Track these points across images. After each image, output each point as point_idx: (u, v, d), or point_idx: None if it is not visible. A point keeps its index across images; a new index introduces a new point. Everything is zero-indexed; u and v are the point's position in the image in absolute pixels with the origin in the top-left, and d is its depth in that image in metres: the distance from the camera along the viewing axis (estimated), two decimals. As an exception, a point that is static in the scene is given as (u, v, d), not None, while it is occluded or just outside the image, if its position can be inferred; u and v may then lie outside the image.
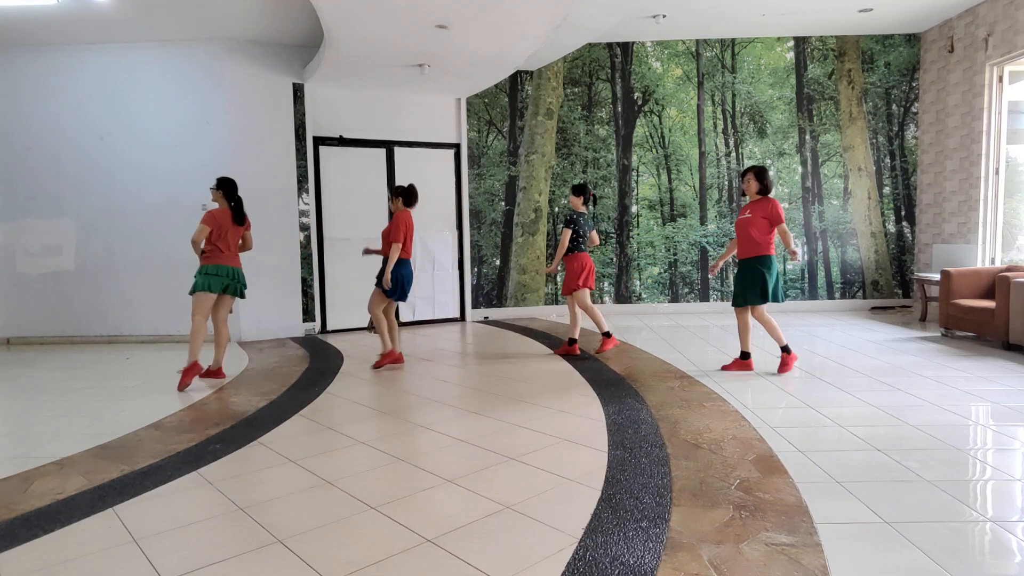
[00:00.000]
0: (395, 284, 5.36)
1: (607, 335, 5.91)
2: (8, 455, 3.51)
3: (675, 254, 8.47)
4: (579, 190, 5.86)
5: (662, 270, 8.49)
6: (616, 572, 2.15)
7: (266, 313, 7.08)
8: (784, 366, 5.04)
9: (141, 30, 6.57)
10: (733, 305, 5.16)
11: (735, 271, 5.20)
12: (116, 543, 2.45)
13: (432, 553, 2.31)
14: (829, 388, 4.51)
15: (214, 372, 5.22)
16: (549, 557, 2.26)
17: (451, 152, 8.14)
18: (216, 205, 5.14)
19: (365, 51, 6.03)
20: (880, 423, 3.71)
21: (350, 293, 7.56)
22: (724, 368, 5.15)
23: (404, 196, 5.42)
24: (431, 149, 8.01)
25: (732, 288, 5.14)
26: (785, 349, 5.06)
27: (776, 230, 4.91)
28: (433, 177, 8.05)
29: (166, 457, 3.39)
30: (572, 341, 5.85)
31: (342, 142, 7.54)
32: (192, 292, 4.99)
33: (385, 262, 5.35)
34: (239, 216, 5.07)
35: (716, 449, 3.31)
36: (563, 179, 8.44)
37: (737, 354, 5.31)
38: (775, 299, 4.97)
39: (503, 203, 8.35)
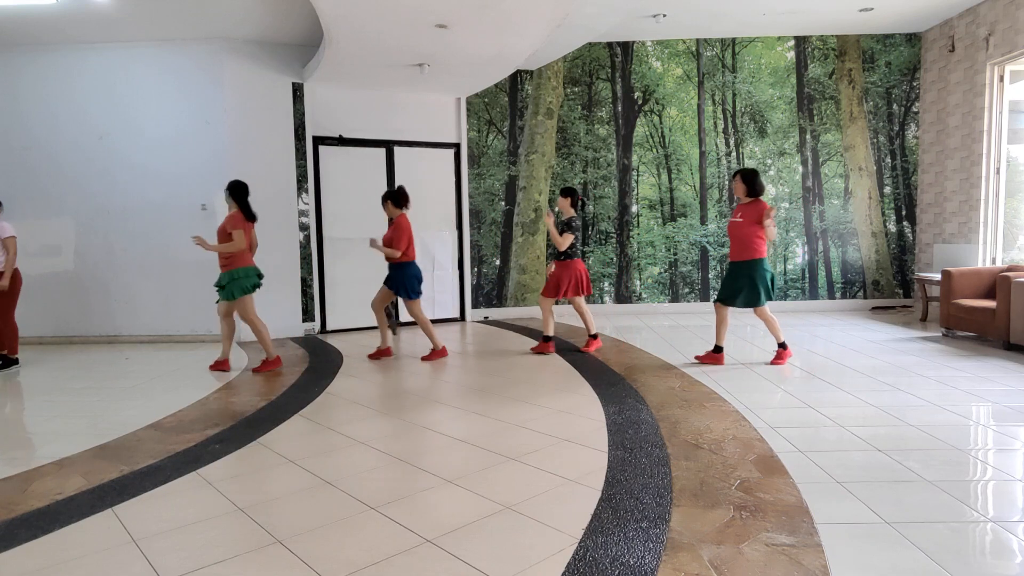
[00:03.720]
0: (402, 283, 5.67)
1: (547, 339, 5.97)
2: (8, 455, 3.51)
3: (675, 254, 8.46)
4: (568, 192, 5.89)
5: (662, 270, 8.48)
6: (616, 572, 2.15)
7: (266, 313, 7.02)
8: (778, 359, 5.27)
9: (141, 30, 6.56)
10: (716, 301, 5.38)
11: (726, 271, 5.38)
12: (116, 543, 2.45)
13: (432, 553, 2.30)
14: (829, 388, 4.50)
15: (222, 364, 5.50)
16: (549, 557, 2.26)
17: (451, 152, 8.13)
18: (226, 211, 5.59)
19: (365, 51, 6.02)
20: (881, 423, 3.70)
21: (350, 293, 7.56)
22: (697, 358, 5.41)
23: (393, 199, 5.70)
24: (431, 149, 8.00)
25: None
26: (782, 345, 5.26)
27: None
28: (433, 177, 8.04)
29: (166, 457, 3.39)
30: (593, 337, 6.01)
31: (342, 142, 7.53)
32: (228, 298, 5.28)
33: (393, 267, 5.72)
34: (250, 215, 5.35)
35: (716, 449, 3.31)
36: (563, 179, 8.44)
37: (711, 347, 5.51)
38: (768, 298, 5.17)
39: (503, 203, 8.35)
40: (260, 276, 5.44)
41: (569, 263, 5.79)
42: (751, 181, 5.10)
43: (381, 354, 5.91)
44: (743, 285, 5.13)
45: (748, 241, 5.06)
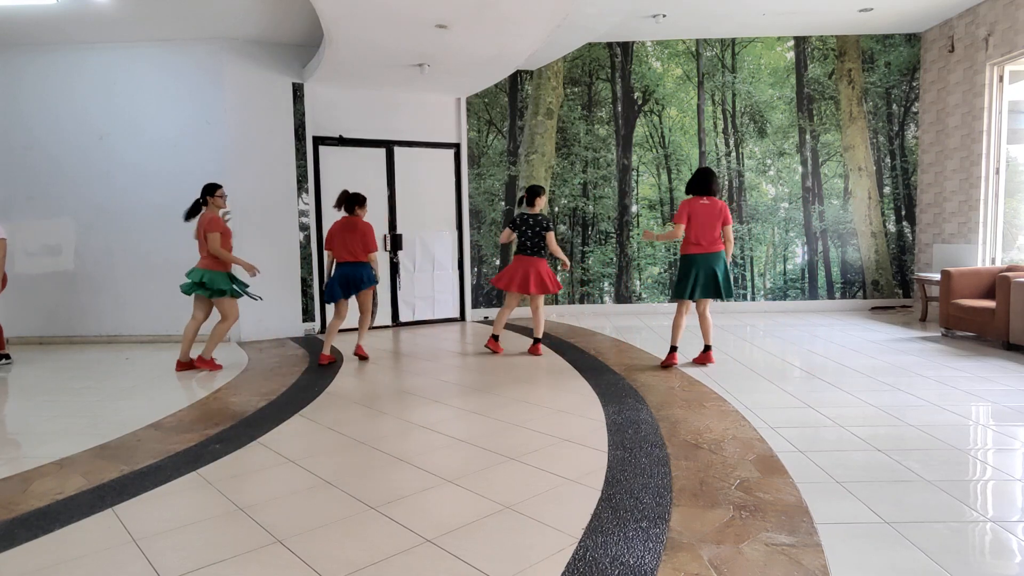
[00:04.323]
0: (329, 287, 5.70)
1: (495, 338, 6.02)
2: (8, 455, 3.51)
3: (675, 254, 8.46)
4: (526, 191, 5.98)
5: (662, 270, 8.48)
6: (616, 572, 2.15)
7: (266, 313, 7.07)
8: (698, 359, 5.37)
9: (141, 30, 6.56)
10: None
11: None
12: (116, 543, 2.45)
13: (432, 553, 2.31)
14: (829, 388, 4.51)
15: (186, 364, 5.58)
16: (549, 557, 2.26)
17: (451, 152, 8.13)
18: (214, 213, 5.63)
19: (365, 51, 6.02)
20: (880, 423, 3.70)
21: (350, 293, 7.55)
22: (694, 361, 5.39)
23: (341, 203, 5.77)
24: (431, 149, 8.00)
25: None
26: (673, 349, 5.34)
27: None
28: (433, 177, 8.04)
29: (166, 457, 3.39)
30: (495, 339, 6.04)
31: (342, 142, 7.53)
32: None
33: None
34: (186, 216, 5.58)
35: (716, 449, 3.31)
36: (563, 179, 8.44)
37: (702, 349, 5.48)
38: (691, 296, 5.23)
39: (503, 203, 8.35)
40: (196, 280, 5.39)
41: (514, 257, 5.90)
42: (692, 179, 5.28)
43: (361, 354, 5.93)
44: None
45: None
